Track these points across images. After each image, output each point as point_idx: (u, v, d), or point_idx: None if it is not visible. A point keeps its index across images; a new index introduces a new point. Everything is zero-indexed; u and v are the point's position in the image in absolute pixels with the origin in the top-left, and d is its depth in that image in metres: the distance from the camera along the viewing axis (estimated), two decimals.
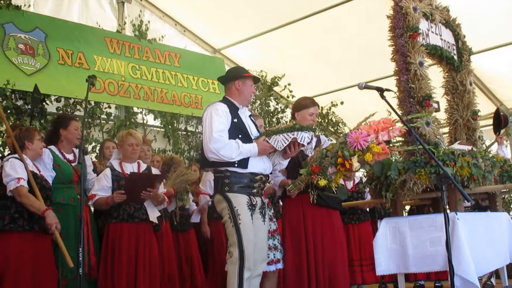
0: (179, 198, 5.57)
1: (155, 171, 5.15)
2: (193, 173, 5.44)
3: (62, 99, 6.73)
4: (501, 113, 6.42)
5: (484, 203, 6.08)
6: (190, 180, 5.51)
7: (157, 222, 4.92)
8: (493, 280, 6.54)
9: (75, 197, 4.74)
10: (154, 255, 4.81)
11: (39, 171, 4.52)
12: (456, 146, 4.73)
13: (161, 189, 5.02)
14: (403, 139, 4.71)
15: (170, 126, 7.90)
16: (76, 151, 5.09)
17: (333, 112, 9.92)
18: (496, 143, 6.59)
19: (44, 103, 6.52)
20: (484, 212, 5.78)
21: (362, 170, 4.96)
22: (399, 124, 4.09)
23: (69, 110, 6.75)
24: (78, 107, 6.87)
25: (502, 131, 6.90)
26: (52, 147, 4.88)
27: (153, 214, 4.86)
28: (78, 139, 4.94)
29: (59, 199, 4.66)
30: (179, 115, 7.99)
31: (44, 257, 4.32)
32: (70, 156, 4.89)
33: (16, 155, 4.37)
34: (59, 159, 4.79)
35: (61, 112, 6.66)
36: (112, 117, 7.24)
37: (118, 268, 4.60)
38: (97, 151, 6.48)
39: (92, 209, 5.00)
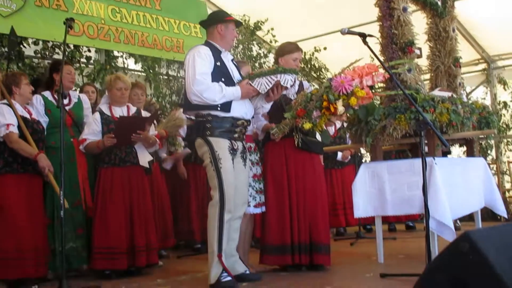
0: (170, 142, 5.57)
1: (145, 114, 5.14)
2: (183, 119, 5.44)
3: (40, 42, 6.59)
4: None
5: (444, 149, 6.18)
6: (182, 125, 5.51)
7: (148, 166, 4.96)
8: (458, 222, 6.76)
9: (68, 140, 4.80)
10: (147, 199, 4.88)
11: (30, 115, 4.57)
12: (437, 92, 4.78)
13: (152, 131, 5.03)
14: (384, 85, 4.75)
15: (151, 71, 7.81)
16: (72, 94, 5.10)
17: (316, 58, 9.86)
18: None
19: (21, 46, 6.38)
20: (445, 157, 5.89)
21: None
22: (382, 70, 4.11)
23: (47, 53, 6.63)
24: (57, 50, 6.74)
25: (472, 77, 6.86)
26: (46, 93, 4.94)
27: (144, 159, 4.89)
28: (72, 82, 5.06)
29: (51, 143, 4.75)
30: (160, 59, 7.88)
31: (37, 197, 4.51)
32: (64, 100, 4.87)
33: (5, 101, 4.38)
34: (50, 104, 4.82)
35: (39, 55, 6.55)
36: (92, 61, 7.13)
37: (113, 213, 4.66)
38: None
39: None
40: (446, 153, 6.27)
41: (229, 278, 3.85)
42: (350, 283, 3.88)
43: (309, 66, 9.89)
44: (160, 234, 5.50)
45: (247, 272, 4.17)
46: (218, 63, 4.01)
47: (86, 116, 5.08)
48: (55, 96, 4.85)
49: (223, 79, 3.97)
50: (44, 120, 4.79)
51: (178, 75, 8.10)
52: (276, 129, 4.30)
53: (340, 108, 3.93)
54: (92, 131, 4.76)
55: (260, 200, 4.51)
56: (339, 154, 7.13)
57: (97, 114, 4.86)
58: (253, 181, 4.49)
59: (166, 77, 8.11)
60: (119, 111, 4.91)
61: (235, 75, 4.12)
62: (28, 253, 4.30)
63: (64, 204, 3.91)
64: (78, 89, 6.38)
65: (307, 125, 4.07)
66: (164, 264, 5.32)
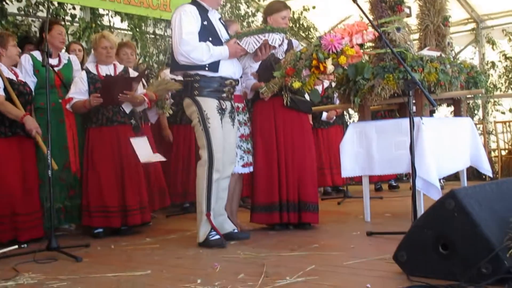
0: (159, 106, 5.53)
1: (133, 73, 5.08)
2: (175, 83, 5.39)
3: None
4: None
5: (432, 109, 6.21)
6: (172, 89, 5.46)
7: (134, 121, 4.93)
8: (442, 181, 6.85)
9: (56, 101, 4.78)
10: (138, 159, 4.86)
11: (17, 77, 4.53)
12: (425, 52, 4.76)
13: (140, 90, 4.99)
14: (373, 44, 4.71)
15: (137, 29, 7.69)
16: (62, 55, 5.03)
17: (304, 17, 9.75)
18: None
19: (3, 3, 6.23)
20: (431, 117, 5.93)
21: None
22: (371, 29, 4.07)
23: (31, 11, 6.49)
24: (41, 7, 6.59)
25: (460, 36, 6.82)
26: (35, 52, 4.88)
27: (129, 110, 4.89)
28: (62, 43, 5.01)
29: (40, 104, 4.71)
30: (147, 17, 7.74)
31: (30, 159, 4.53)
32: (53, 61, 4.86)
33: None
34: (39, 64, 4.71)
35: (22, 12, 6.41)
36: (76, 19, 6.99)
37: (104, 171, 4.67)
38: None
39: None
40: (431, 112, 6.31)
41: (217, 237, 3.90)
42: (337, 241, 3.94)
43: (297, 25, 9.78)
44: (158, 194, 5.52)
45: (236, 230, 4.21)
46: (205, 22, 3.95)
47: (76, 77, 5.01)
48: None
49: (210, 39, 3.92)
50: (32, 81, 4.74)
51: (165, 34, 7.98)
52: (265, 88, 4.28)
53: (330, 67, 3.91)
54: (78, 90, 4.72)
55: (248, 160, 4.52)
56: (324, 114, 7.13)
57: (83, 73, 4.80)
58: (240, 141, 4.49)
59: (153, 36, 8.00)
60: (106, 70, 4.86)
61: (223, 34, 4.07)
62: (22, 217, 4.35)
63: (51, 164, 3.89)
64: (64, 47, 6.30)
65: (297, 84, 4.05)
66: (153, 224, 5.36)
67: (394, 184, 7.65)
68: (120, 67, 4.99)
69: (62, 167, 4.69)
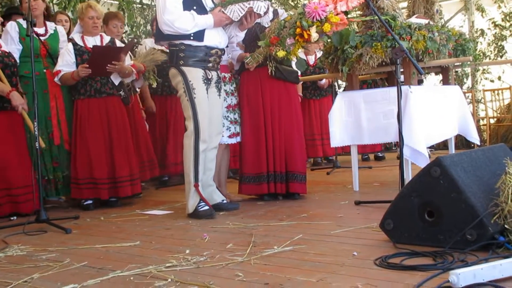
0: (145, 77, 5.48)
1: (119, 44, 5.02)
2: (162, 54, 5.32)
3: None
4: None
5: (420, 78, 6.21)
6: (159, 60, 5.40)
7: (123, 93, 4.89)
8: (428, 150, 6.87)
9: (41, 70, 4.72)
10: (127, 129, 4.85)
11: (0, 47, 4.47)
12: (414, 19, 4.72)
13: (128, 61, 4.93)
14: (361, 12, 4.67)
15: None
16: (49, 25, 4.96)
17: None
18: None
19: None
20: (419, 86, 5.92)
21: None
22: None
23: None
24: None
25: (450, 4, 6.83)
26: (21, 20, 4.78)
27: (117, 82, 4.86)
28: (36, 9, 4.81)
29: (24, 72, 4.63)
30: None
31: (21, 132, 4.51)
32: (40, 30, 4.78)
33: None
34: (25, 32, 4.62)
35: None
36: None
37: (93, 143, 4.64)
38: None
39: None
40: (419, 81, 6.31)
41: (206, 207, 3.91)
42: (325, 210, 3.96)
43: None
44: (148, 165, 5.51)
45: (225, 201, 4.22)
46: None
47: (62, 49, 4.93)
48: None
49: (195, 7, 3.87)
50: (17, 48, 4.67)
51: (152, 3, 7.88)
52: (250, 57, 4.25)
53: (314, 35, 3.86)
54: (66, 62, 4.65)
55: (235, 130, 4.51)
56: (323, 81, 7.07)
57: (70, 45, 4.73)
58: (227, 111, 4.47)
59: (140, 6, 7.89)
60: (92, 41, 4.78)
61: (208, 3, 4.01)
62: (20, 190, 4.36)
63: (39, 140, 3.88)
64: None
65: (281, 53, 4.01)
66: (143, 195, 5.36)
67: (380, 155, 7.68)
68: (106, 38, 4.92)
69: (47, 139, 4.66)
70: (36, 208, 4.34)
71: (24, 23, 4.72)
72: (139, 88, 5.81)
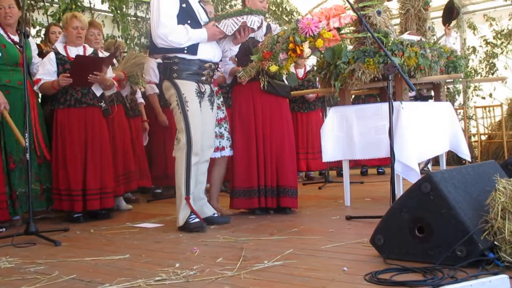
0: (133, 81, 5.46)
1: (102, 55, 5.02)
2: (144, 55, 5.31)
3: None
4: (455, 6, 6.50)
5: (425, 93, 6.27)
6: (142, 62, 5.39)
7: (104, 105, 4.86)
8: (429, 166, 6.91)
9: (22, 80, 4.61)
10: (105, 141, 4.81)
11: None
12: (406, 36, 4.76)
13: (110, 73, 4.92)
14: (354, 28, 4.71)
15: (118, 11, 7.60)
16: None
17: (287, 1, 9.72)
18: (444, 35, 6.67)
19: None
20: (426, 101, 5.96)
21: (313, 57, 4.98)
22: (351, 12, 4.06)
23: None
24: None
25: (453, 22, 6.98)
26: None
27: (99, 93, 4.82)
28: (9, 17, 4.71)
29: (5, 81, 4.54)
30: None
31: None
32: (16, 38, 4.70)
33: None
34: (4, 39, 4.60)
35: None
36: (56, 0, 6.88)
37: (71, 154, 4.61)
38: (42, 36, 6.23)
39: (40, 94, 4.91)
40: (427, 97, 6.37)
41: (197, 220, 3.89)
42: (316, 225, 3.96)
43: (280, 9, 9.75)
44: (122, 179, 5.43)
45: (216, 215, 4.21)
46: (184, 5, 3.91)
47: (34, 58, 4.85)
48: (7, 31, 4.63)
49: (189, 21, 3.88)
50: None
51: (147, 16, 7.92)
52: (243, 72, 4.26)
53: (307, 50, 3.90)
54: (47, 71, 4.64)
55: (220, 144, 4.50)
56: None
57: (52, 54, 4.71)
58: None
59: (134, 18, 7.92)
60: (75, 51, 4.75)
61: (202, 17, 4.03)
62: None
63: (29, 147, 3.84)
64: (44, 29, 6.20)
65: (273, 68, 4.03)
66: (134, 208, 5.34)
67: (380, 170, 7.70)
68: (89, 50, 4.91)
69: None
70: (6, 217, 4.28)
71: (0, 30, 4.63)
72: (138, 96, 5.79)
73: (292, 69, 4.47)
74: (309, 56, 4.01)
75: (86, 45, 4.93)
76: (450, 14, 6.51)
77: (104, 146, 4.79)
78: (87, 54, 4.83)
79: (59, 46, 4.79)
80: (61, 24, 6.24)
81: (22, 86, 4.50)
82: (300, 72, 7.08)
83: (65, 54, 4.73)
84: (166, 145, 6.09)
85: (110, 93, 5.02)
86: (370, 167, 7.65)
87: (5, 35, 4.61)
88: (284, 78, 4.53)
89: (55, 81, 4.57)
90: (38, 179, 4.68)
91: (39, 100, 4.84)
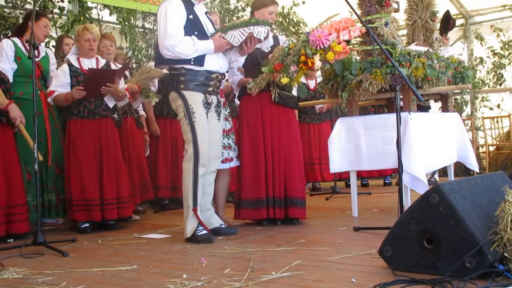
0: (145, 95, 5.49)
1: (114, 67, 5.05)
2: (158, 70, 5.35)
3: None
4: (451, 16, 6.67)
5: (425, 104, 6.29)
6: (155, 77, 5.42)
7: (116, 116, 4.89)
8: (436, 177, 6.89)
9: (36, 92, 4.66)
10: (118, 151, 4.84)
11: None
12: (413, 47, 4.77)
13: (122, 84, 4.95)
14: (361, 39, 4.71)
15: (126, 23, 7.65)
16: (41, 47, 4.96)
17: (294, 12, 9.75)
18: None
19: None
20: (426, 112, 5.95)
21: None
22: (359, 24, 4.08)
23: (19, 2, 6.44)
24: (29, 0, 6.54)
25: (449, 32, 7.13)
26: (15, 39, 4.77)
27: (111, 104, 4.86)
28: (45, 36, 4.94)
29: (19, 94, 4.61)
30: (135, 11, 7.70)
31: (12, 148, 4.41)
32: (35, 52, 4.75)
33: None
34: (21, 52, 4.67)
35: (10, 4, 6.35)
36: (65, 12, 6.94)
37: (85, 164, 4.63)
38: (51, 47, 6.27)
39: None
40: (426, 108, 6.41)
41: (205, 232, 3.88)
42: (324, 236, 3.94)
43: (287, 20, 9.78)
44: (139, 188, 5.47)
45: (223, 226, 4.20)
46: (191, 16, 3.93)
47: (52, 71, 4.93)
48: (25, 44, 4.70)
49: (196, 33, 3.90)
50: (12, 67, 4.62)
51: (154, 27, 7.94)
52: (253, 83, 4.28)
53: (317, 63, 3.92)
54: (60, 83, 4.68)
55: (228, 155, 4.50)
56: (317, 106, 7.14)
57: (65, 66, 4.76)
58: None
59: (141, 30, 7.96)
60: (88, 63, 4.81)
61: (209, 28, 4.05)
62: (4, 210, 4.25)
63: (38, 157, 3.85)
64: (52, 40, 6.25)
65: (285, 80, 4.06)
66: (141, 219, 5.34)
67: (387, 181, 7.69)
68: (102, 61, 4.95)
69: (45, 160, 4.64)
70: (27, 229, 4.30)
71: (19, 42, 4.73)
72: (139, 108, 5.82)
73: (303, 80, 4.49)
74: (319, 68, 4.02)
75: (99, 57, 4.97)
76: (447, 24, 6.73)
77: (118, 156, 4.82)
78: (99, 66, 4.87)
79: (72, 58, 4.83)
80: (72, 35, 6.33)
81: (35, 97, 4.57)
82: (311, 84, 7.10)
83: (78, 66, 4.77)
84: (158, 155, 6.09)
85: (122, 104, 5.05)
86: (371, 178, 7.63)
87: (22, 48, 4.69)
88: (293, 89, 4.55)
89: (69, 93, 4.61)
90: (54, 189, 4.71)
91: (56, 110, 4.87)
